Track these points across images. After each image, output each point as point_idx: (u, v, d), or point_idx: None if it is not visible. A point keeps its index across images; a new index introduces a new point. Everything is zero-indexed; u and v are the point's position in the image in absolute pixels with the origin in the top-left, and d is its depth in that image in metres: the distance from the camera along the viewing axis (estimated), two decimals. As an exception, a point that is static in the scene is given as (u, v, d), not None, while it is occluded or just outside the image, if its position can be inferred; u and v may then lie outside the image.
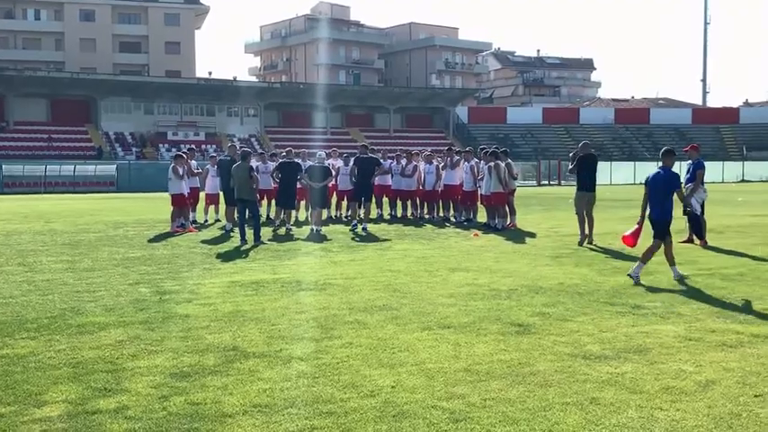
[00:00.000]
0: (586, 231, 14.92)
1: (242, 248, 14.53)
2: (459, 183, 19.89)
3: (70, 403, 5.35)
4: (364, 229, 17.61)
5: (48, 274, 11.13)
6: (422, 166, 20.68)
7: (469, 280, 10.52)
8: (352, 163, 19.25)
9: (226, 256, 13.36)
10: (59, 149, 60.79)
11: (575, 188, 15.59)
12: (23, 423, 4.97)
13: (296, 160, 18.53)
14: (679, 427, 4.88)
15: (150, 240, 15.95)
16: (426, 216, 20.99)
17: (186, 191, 18.20)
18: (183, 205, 18.07)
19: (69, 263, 12.40)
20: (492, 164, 17.70)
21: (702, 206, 14.63)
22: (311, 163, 18.99)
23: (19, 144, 61.24)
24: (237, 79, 78.52)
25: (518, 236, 16.30)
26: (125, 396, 5.50)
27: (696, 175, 14.65)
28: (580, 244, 14.67)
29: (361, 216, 18.38)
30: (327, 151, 21.23)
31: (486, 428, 4.84)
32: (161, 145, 65.50)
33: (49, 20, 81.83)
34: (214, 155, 22.59)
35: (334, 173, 19.05)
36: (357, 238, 16.15)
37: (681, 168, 13.97)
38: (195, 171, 19.39)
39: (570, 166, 15.56)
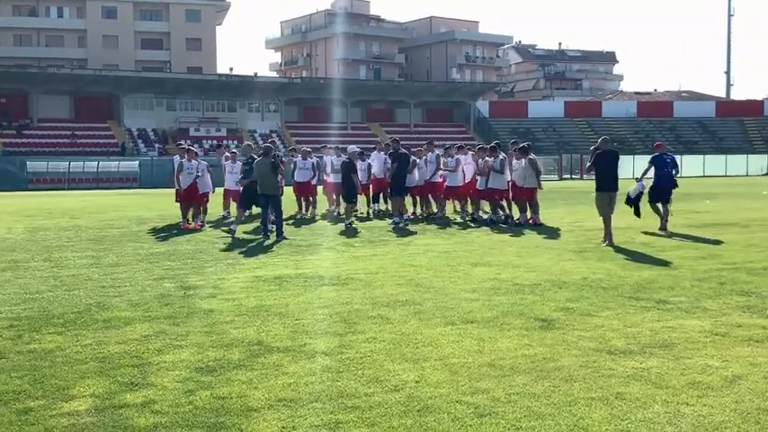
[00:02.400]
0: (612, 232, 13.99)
1: (264, 244, 14.59)
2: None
3: (97, 397, 5.40)
4: (397, 222, 17.84)
5: (73, 270, 11.25)
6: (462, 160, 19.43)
7: (492, 275, 10.49)
8: (389, 159, 19.53)
9: (249, 252, 13.43)
10: (83, 146, 61.31)
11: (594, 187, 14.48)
12: (52, 417, 5.03)
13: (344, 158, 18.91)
14: (706, 423, 4.84)
15: (174, 236, 16.06)
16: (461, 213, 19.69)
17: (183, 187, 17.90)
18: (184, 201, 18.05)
19: (94, 258, 12.53)
20: (529, 158, 17.42)
21: (638, 196, 16.69)
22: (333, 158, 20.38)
23: (43, 141, 61.83)
24: (258, 75, 78.72)
25: (540, 230, 16.22)
26: (151, 390, 5.55)
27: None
28: (607, 245, 13.67)
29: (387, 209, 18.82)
30: (330, 146, 21.87)
31: (512, 423, 4.83)
32: (183, 141, 65.83)
33: (71, 17, 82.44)
34: (235, 150, 22.50)
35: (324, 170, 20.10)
36: (381, 234, 16.15)
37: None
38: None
39: (588, 164, 14.89)
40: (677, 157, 15.07)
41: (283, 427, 4.80)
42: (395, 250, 13.47)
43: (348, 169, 17.95)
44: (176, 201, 18.36)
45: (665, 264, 11.41)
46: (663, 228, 15.77)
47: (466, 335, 7.08)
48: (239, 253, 13.23)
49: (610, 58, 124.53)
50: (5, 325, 7.61)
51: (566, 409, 5.09)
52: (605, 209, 14.05)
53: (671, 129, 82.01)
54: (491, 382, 5.66)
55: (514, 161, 17.83)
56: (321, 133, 62.81)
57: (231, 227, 16.49)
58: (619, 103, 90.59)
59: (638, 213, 16.71)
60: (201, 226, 17.80)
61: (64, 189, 48.59)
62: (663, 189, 16.23)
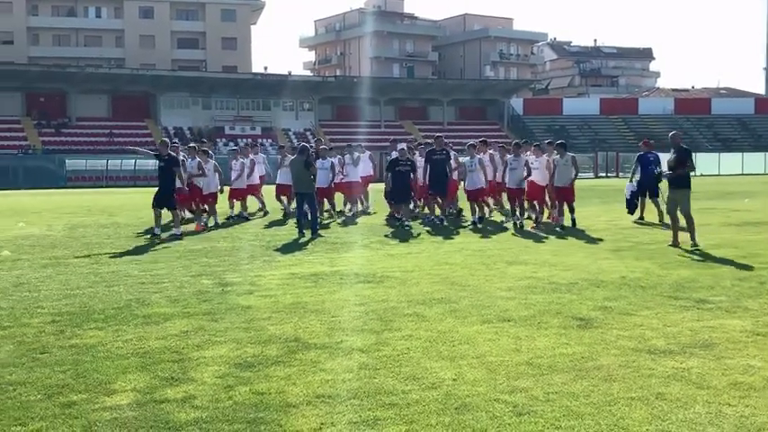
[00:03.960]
0: (686, 233, 13.13)
1: (300, 241, 14.67)
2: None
3: (139, 392, 5.48)
4: (441, 220, 17.64)
5: (113, 266, 11.42)
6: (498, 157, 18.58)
7: (528, 273, 10.44)
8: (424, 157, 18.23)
9: (284, 249, 13.51)
10: (120, 144, 62.14)
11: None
12: (94, 411, 5.11)
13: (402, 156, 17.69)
14: (748, 423, 4.77)
15: (210, 233, 16.22)
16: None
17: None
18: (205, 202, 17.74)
19: (133, 255, 12.71)
20: (570, 156, 16.82)
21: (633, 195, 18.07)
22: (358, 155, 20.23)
23: (81, 139, 62.77)
24: (292, 74, 79.15)
25: (576, 229, 16.09)
26: (191, 385, 5.61)
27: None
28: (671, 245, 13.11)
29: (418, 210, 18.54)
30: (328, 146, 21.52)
31: (551, 422, 4.80)
32: (218, 139, 66.43)
33: (109, 17, 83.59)
34: (282, 146, 22.67)
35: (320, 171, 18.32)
36: (414, 232, 16.14)
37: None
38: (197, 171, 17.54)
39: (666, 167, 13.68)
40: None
41: (322, 424, 4.83)
42: (429, 248, 13.46)
43: (406, 169, 17.23)
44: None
45: (704, 262, 11.26)
46: (661, 220, 16.82)
47: (503, 333, 7.06)
48: (275, 250, 13.32)
49: (646, 54, 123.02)
50: (48, 320, 7.75)
51: (605, 408, 5.05)
52: (673, 206, 13.28)
53: (709, 126, 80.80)
54: (529, 380, 5.64)
55: (533, 158, 17.17)
56: (354, 131, 62.92)
57: (155, 230, 15.40)
58: (656, 100, 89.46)
59: (631, 211, 18.11)
60: (204, 227, 16.96)
61: (102, 187, 49.28)
62: (648, 185, 17.56)
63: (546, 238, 14.84)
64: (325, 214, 19.23)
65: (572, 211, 16.80)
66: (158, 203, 15.57)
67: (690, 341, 6.72)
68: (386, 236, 15.25)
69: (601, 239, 14.37)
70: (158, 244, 14.29)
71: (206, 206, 17.91)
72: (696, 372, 5.82)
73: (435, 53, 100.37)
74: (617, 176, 60.04)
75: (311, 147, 19.38)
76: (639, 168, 18.01)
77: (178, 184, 15.91)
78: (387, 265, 11.31)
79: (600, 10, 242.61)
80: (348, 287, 9.62)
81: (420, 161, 18.19)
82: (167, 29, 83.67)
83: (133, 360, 6.29)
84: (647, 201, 17.88)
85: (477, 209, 17.56)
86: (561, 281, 9.75)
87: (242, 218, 19.23)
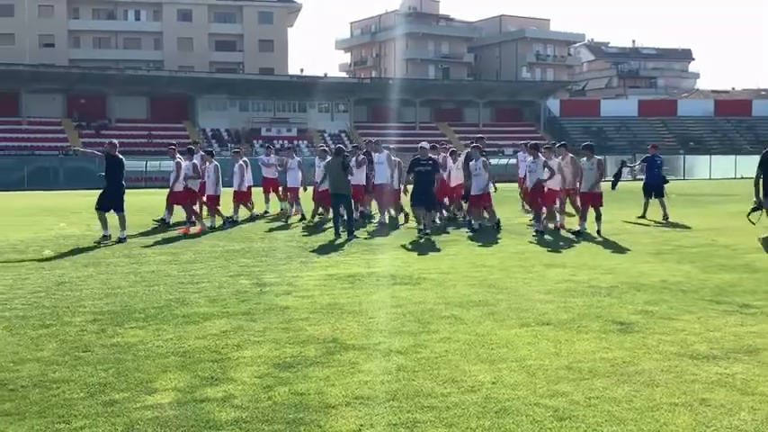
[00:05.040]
0: None
1: (336, 242, 14.70)
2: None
3: (179, 391, 5.53)
4: (481, 225, 16.68)
5: (152, 266, 11.54)
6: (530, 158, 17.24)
7: (567, 276, 10.34)
8: (463, 159, 17.68)
9: (321, 250, 13.55)
10: (159, 146, 62.87)
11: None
12: (136, 409, 5.17)
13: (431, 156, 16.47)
14: (797, 432, 4.67)
15: (247, 234, 16.33)
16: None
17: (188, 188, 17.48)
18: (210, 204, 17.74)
19: (172, 255, 12.84)
20: (596, 159, 15.83)
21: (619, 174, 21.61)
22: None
23: (120, 141, 62.98)
24: (328, 76, 79.46)
25: (615, 231, 15.88)
26: (231, 385, 5.65)
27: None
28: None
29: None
30: (321, 147, 20.77)
31: (593, 427, 4.74)
32: (255, 141, 66.96)
33: (148, 20, 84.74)
34: (324, 148, 22.59)
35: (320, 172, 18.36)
36: (451, 235, 16.09)
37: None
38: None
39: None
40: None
41: (361, 425, 4.83)
42: (465, 251, 13.40)
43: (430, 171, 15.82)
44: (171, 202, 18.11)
45: (746, 266, 11.06)
46: (665, 217, 18.22)
47: (542, 337, 6.99)
48: (312, 251, 13.37)
49: (686, 55, 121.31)
50: (90, 319, 7.86)
51: (648, 414, 4.97)
52: None
53: (749, 128, 79.45)
54: (569, 385, 5.58)
55: (529, 160, 16.56)
56: (389, 133, 62.93)
57: (105, 232, 14.86)
58: (695, 101, 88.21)
59: (614, 186, 20.31)
60: (206, 228, 16.84)
61: (141, 187, 49.87)
62: (654, 185, 19.21)
63: (591, 238, 14.67)
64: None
65: (598, 218, 15.55)
66: (103, 206, 15.13)
67: (733, 346, 6.60)
68: (420, 238, 15.20)
69: (641, 242, 14.18)
70: (196, 246, 14.41)
71: (208, 208, 17.87)
72: (741, 378, 5.71)
73: (471, 54, 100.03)
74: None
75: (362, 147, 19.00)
76: (646, 169, 19.77)
77: (178, 187, 16.91)
78: (423, 267, 11.29)
79: (638, 10, 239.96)
80: (385, 289, 9.61)
81: (450, 162, 17.95)
82: (205, 31, 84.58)
83: (173, 359, 6.35)
84: (650, 201, 19.20)
85: (476, 214, 16.68)
86: (601, 284, 9.64)
87: (229, 222, 18.23)
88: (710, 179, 53.62)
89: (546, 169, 15.95)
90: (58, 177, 50.61)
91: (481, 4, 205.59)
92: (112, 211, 15.15)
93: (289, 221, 19.04)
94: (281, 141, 65.81)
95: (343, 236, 15.34)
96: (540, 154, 16.31)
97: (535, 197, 16.25)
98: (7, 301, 8.77)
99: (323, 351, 6.55)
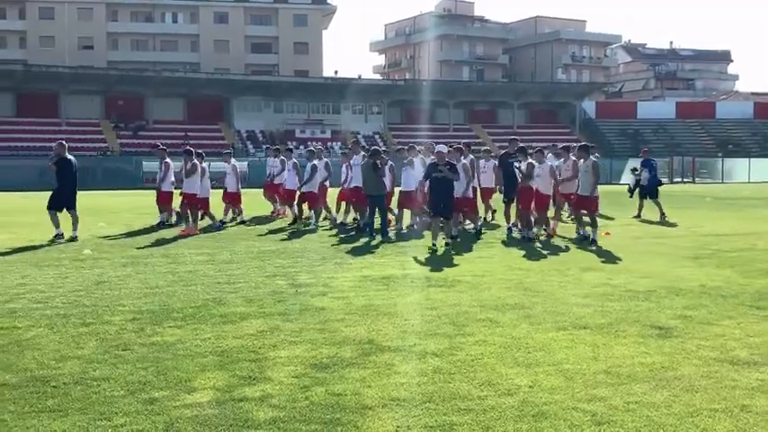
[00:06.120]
0: None
1: (370, 244, 14.74)
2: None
3: (218, 390, 5.59)
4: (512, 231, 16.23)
5: (190, 266, 11.67)
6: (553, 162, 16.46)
7: (604, 280, 10.25)
8: (498, 163, 17.32)
9: (355, 251, 13.59)
10: (195, 147, 63.43)
11: None
12: (176, 408, 5.23)
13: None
14: (841, 441, 4.58)
15: (282, 234, 16.43)
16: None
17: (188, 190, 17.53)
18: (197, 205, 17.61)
19: (209, 255, 12.96)
20: (592, 161, 14.92)
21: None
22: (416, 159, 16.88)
23: (157, 141, 64.35)
24: (362, 77, 79.64)
25: (652, 235, 15.71)
26: (268, 385, 5.69)
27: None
28: None
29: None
30: (311, 149, 20.20)
31: (631, 432, 4.70)
32: (289, 142, 67.35)
33: (185, 22, 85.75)
34: (346, 151, 22.46)
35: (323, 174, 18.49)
36: (485, 237, 16.02)
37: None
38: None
39: None
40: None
41: (398, 427, 4.83)
42: (500, 253, 13.35)
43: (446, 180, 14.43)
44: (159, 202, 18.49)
45: (788, 272, 10.86)
46: (662, 214, 19.64)
47: (579, 341, 6.94)
48: (346, 253, 13.41)
49: (724, 57, 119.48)
50: (129, 318, 7.97)
51: (688, 419, 4.92)
52: None
53: (790, 130, 77.97)
54: (608, 389, 5.53)
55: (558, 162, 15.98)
56: (423, 135, 62.88)
57: (57, 231, 15.09)
58: (734, 103, 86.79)
59: (631, 194, 22.73)
60: (197, 232, 16.66)
61: (178, 188, 50.43)
62: (647, 187, 20.88)
63: (628, 242, 14.51)
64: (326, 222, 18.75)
65: (593, 224, 14.74)
66: (54, 205, 15.34)
67: (775, 353, 6.49)
68: (455, 239, 15.16)
69: (679, 246, 14.01)
70: (233, 246, 14.53)
71: (201, 210, 17.78)
72: (783, 385, 5.62)
73: (506, 56, 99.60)
74: (693, 182, 58.48)
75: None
76: (646, 172, 21.29)
77: (166, 187, 17.93)
78: (457, 270, 11.27)
79: (676, 11, 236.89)
80: (419, 291, 9.61)
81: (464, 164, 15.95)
82: (241, 34, 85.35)
83: (212, 359, 6.41)
84: (646, 202, 20.80)
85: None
86: (638, 288, 9.55)
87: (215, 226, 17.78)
88: (749, 182, 52.70)
89: (569, 171, 15.28)
90: (96, 177, 51.33)
91: (516, 5, 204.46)
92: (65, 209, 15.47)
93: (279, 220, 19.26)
94: (313, 143, 66.17)
95: (377, 237, 15.37)
96: (570, 155, 15.62)
97: (526, 202, 15.32)
98: (48, 300, 8.93)
99: (359, 352, 6.57)
